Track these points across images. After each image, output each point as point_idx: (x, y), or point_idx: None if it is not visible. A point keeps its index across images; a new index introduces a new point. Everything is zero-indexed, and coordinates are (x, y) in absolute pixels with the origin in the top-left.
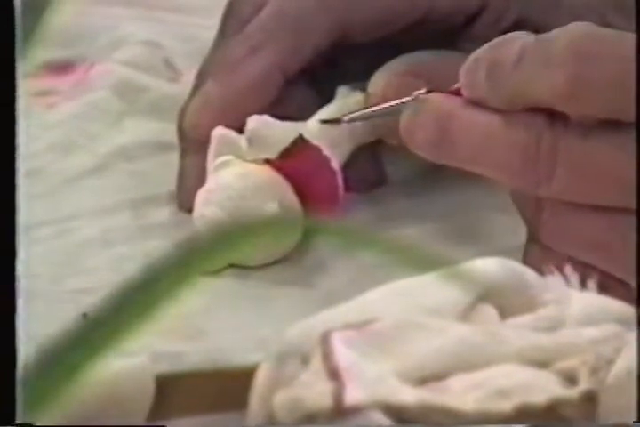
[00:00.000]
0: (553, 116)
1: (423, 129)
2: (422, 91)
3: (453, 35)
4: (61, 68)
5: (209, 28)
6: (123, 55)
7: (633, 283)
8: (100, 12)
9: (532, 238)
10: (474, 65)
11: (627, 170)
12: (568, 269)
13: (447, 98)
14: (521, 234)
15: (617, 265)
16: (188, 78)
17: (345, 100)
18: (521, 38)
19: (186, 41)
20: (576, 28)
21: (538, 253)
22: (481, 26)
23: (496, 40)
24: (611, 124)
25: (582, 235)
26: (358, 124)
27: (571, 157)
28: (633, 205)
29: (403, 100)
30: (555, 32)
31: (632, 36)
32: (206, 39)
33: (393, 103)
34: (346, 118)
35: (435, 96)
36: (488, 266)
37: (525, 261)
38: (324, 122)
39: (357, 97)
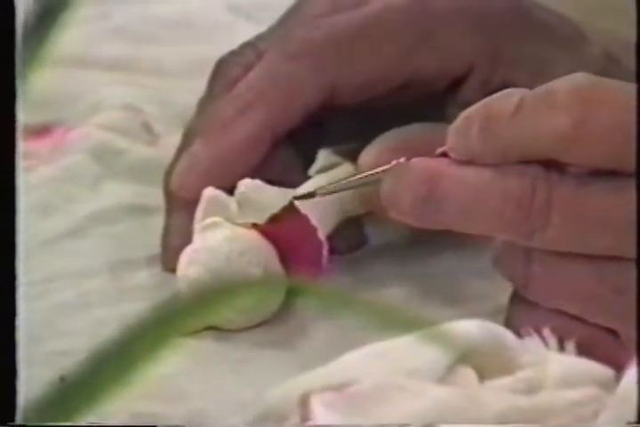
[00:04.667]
0: (547, 166)
1: (408, 192)
2: (402, 159)
3: (440, 99)
4: (40, 131)
5: (188, 91)
6: (101, 119)
7: (625, 333)
8: (79, 75)
9: (517, 298)
10: (464, 123)
11: (622, 218)
12: (547, 331)
13: (432, 159)
14: (499, 297)
15: (608, 316)
16: (167, 142)
17: (336, 172)
18: (517, 92)
19: (164, 105)
20: (578, 76)
21: (522, 313)
22: (467, 89)
23: (489, 97)
24: (607, 174)
25: (573, 286)
26: (348, 197)
27: (566, 206)
28: (628, 253)
29: (379, 169)
30: (554, 81)
31: (633, 86)
32: (185, 103)
33: (368, 173)
34: (319, 192)
35: (418, 160)
36: (467, 328)
37: (509, 321)
38: (297, 198)
39: (348, 169)
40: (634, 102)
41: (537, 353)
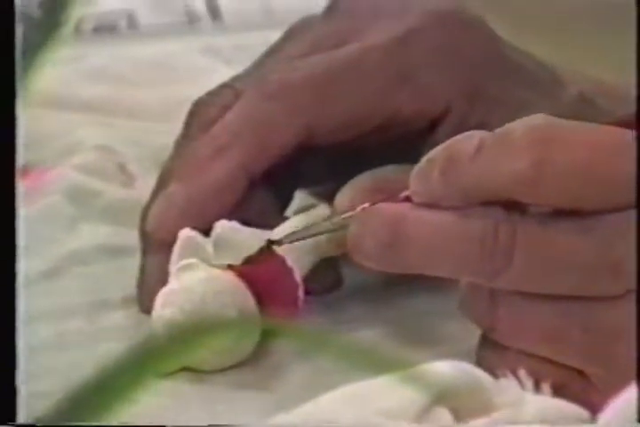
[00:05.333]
0: (509, 206)
1: (372, 236)
2: (366, 204)
3: (417, 139)
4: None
5: (163, 133)
6: (77, 160)
7: (593, 372)
8: (55, 116)
9: (485, 341)
10: (426, 166)
11: (586, 258)
12: (522, 372)
13: (395, 204)
14: (473, 338)
15: (576, 356)
16: (142, 183)
17: (312, 213)
18: (477, 133)
19: (140, 146)
20: (535, 117)
21: (491, 355)
22: (444, 130)
23: (450, 140)
24: (568, 213)
25: (539, 327)
26: (324, 239)
27: (528, 246)
28: (592, 292)
29: (345, 215)
30: (513, 123)
31: (593, 126)
32: (160, 144)
33: (335, 220)
34: (285, 240)
35: (382, 204)
36: (442, 369)
37: (480, 363)
38: (267, 244)
39: (325, 210)
40: (595, 139)
41: (513, 394)
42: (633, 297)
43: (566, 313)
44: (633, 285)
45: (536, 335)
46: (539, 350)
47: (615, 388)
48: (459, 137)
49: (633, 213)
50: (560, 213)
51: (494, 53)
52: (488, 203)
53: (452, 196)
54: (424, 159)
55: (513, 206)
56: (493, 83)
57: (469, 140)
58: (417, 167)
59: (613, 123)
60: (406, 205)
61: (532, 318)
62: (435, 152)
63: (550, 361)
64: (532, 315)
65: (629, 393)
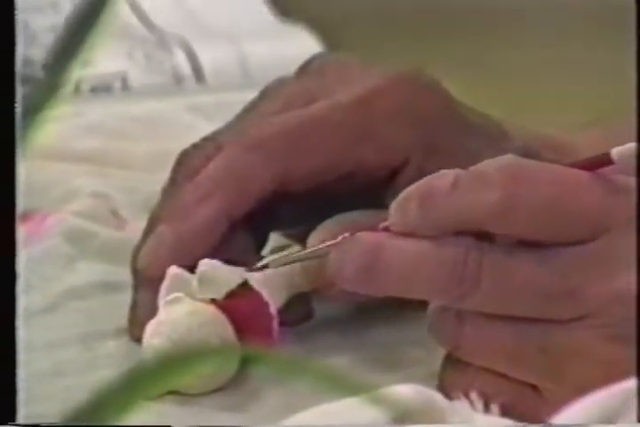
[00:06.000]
0: (478, 236)
1: (352, 262)
2: (347, 234)
3: (380, 187)
4: (19, 217)
5: (152, 181)
6: (74, 206)
7: (545, 387)
8: (55, 167)
9: (448, 361)
10: (404, 200)
11: (543, 284)
12: (473, 394)
13: (375, 233)
14: (432, 364)
15: (531, 372)
16: (133, 226)
17: (286, 253)
18: (451, 172)
19: (130, 193)
20: (506, 157)
21: (453, 373)
22: (404, 179)
23: (425, 177)
24: (531, 244)
25: (499, 345)
26: (297, 275)
27: (494, 272)
28: (548, 315)
29: (328, 243)
30: (486, 162)
31: (558, 166)
32: (149, 191)
33: (318, 247)
34: (272, 265)
35: (362, 233)
36: (403, 391)
37: (442, 381)
38: (252, 270)
39: (297, 250)
40: (560, 178)
41: (464, 414)
42: (588, 322)
43: (524, 333)
44: (587, 311)
45: (496, 353)
46: (498, 366)
47: (564, 401)
48: (434, 175)
49: (590, 247)
50: (523, 245)
51: (448, 111)
52: (460, 233)
53: (427, 226)
54: (402, 194)
55: (482, 237)
56: (447, 137)
57: (445, 177)
58: (396, 201)
59: (574, 165)
60: (385, 234)
61: (494, 337)
62: (413, 187)
63: (506, 377)
64: (493, 334)
65: (578, 403)
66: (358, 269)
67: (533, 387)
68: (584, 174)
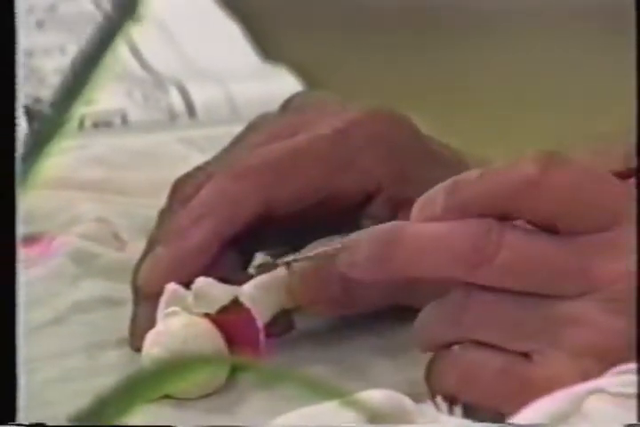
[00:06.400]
0: (501, 219)
1: (371, 242)
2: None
3: (355, 211)
4: (30, 240)
5: (149, 207)
6: (78, 229)
7: (539, 350)
8: (61, 195)
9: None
10: (431, 193)
11: (559, 262)
12: (439, 398)
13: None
14: (400, 372)
15: (530, 339)
16: (132, 248)
17: (272, 274)
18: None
19: (130, 218)
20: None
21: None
22: (377, 205)
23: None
24: (550, 230)
25: (503, 318)
26: (282, 294)
27: (514, 246)
28: (554, 291)
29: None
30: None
31: (584, 161)
32: (146, 216)
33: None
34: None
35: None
36: (375, 396)
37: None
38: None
39: (282, 273)
40: (584, 170)
41: (431, 416)
42: (593, 296)
43: (529, 307)
44: (593, 288)
45: (499, 326)
46: (496, 338)
47: (556, 367)
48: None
49: (604, 235)
50: (543, 229)
51: (416, 143)
52: (483, 215)
53: (453, 212)
54: (426, 193)
55: (504, 219)
56: (415, 166)
57: (471, 171)
58: (421, 198)
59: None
60: (404, 222)
61: (499, 312)
62: (438, 186)
63: (500, 348)
64: (499, 309)
65: (540, 402)
66: (378, 246)
67: (525, 355)
68: (605, 172)
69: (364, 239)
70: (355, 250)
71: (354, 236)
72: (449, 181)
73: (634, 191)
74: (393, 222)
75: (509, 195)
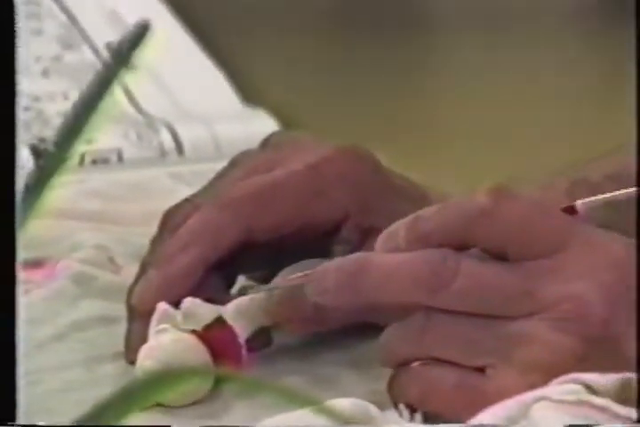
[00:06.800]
0: (457, 248)
1: (338, 270)
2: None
3: (326, 238)
4: (34, 264)
5: (141, 235)
6: (79, 255)
7: (493, 364)
8: (62, 224)
9: (397, 372)
10: (393, 227)
11: (509, 286)
12: (401, 405)
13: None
14: (365, 383)
15: (484, 356)
16: (127, 271)
17: (255, 296)
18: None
19: (124, 245)
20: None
21: (405, 376)
22: (345, 231)
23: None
24: (500, 257)
25: (460, 337)
26: (261, 313)
27: (468, 273)
28: (505, 313)
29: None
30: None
31: (533, 194)
32: (139, 243)
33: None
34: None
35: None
36: (344, 404)
37: (394, 391)
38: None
39: (262, 295)
40: (532, 202)
41: (394, 422)
42: (540, 316)
43: (483, 327)
44: (540, 308)
45: (456, 344)
46: (454, 355)
47: (508, 380)
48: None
49: (549, 261)
50: (495, 256)
51: (379, 177)
52: (441, 245)
53: (414, 244)
54: (391, 226)
55: (461, 248)
56: (379, 198)
57: (431, 207)
58: (385, 231)
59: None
60: (368, 253)
61: (456, 331)
62: (399, 222)
63: (456, 364)
64: (456, 329)
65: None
66: (346, 275)
67: (479, 370)
68: (550, 205)
69: (331, 270)
70: (323, 280)
71: (320, 268)
72: (410, 217)
73: (578, 223)
74: (358, 254)
75: (465, 226)
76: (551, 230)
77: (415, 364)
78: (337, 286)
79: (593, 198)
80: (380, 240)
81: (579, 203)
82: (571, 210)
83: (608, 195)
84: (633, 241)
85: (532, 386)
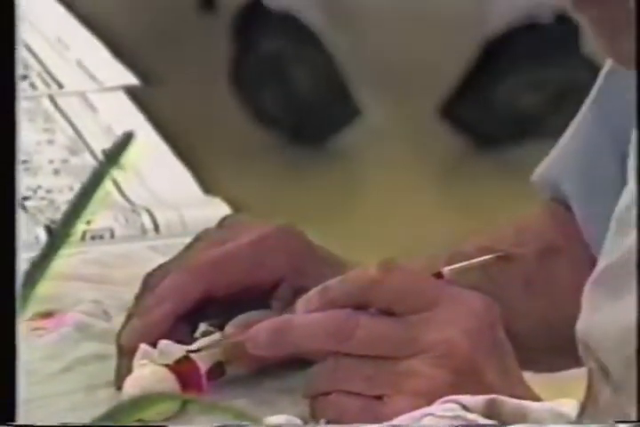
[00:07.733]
0: (357, 308)
1: (267, 329)
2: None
3: (267, 295)
4: (46, 315)
5: (128, 293)
6: (80, 308)
7: (391, 396)
8: (68, 284)
9: (314, 400)
10: (309, 294)
11: (397, 335)
12: (322, 420)
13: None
14: (297, 404)
15: (381, 387)
16: (116, 319)
17: (211, 338)
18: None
19: (115, 300)
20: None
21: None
22: (281, 290)
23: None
24: (389, 313)
25: (362, 373)
26: (217, 353)
27: (366, 325)
28: (397, 354)
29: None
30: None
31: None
32: (127, 299)
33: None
34: (193, 348)
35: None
36: (279, 420)
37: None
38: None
39: (217, 336)
40: (411, 273)
41: None
42: (422, 356)
43: (379, 366)
44: (422, 350)
45: (359, 379)
46: (359, 387)
47: (400, 405)
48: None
49: (427, 314)
50: (386, 313)
51: (308, 249)
52: (345, 306)
53: (324, 307)
54: (309, 293)
55: (360, 308)
56: (308, 265)
57: (334, 278)
58: (300, 300)
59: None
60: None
61: (359, 369)
62: (313, 289)
63: (361, 394)
64: (358, 367)
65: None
66: (273, 333)
67: (378, 398)
68: (425, 273)
69: (262, 329)
70: (256, 337)
71: (254, 328)
72: (319, 286)
73: (446, 285)
74: (284, 315)
75: (360, 292)
76: (425, 292)
77: (330, 395)
78: (267, 342)
79: (456, 266)
80: (300, 304)
81: (445, 269)
82: (439, 275)
83: (465, 263)
84: (489, 297)
85: (418, 408)
